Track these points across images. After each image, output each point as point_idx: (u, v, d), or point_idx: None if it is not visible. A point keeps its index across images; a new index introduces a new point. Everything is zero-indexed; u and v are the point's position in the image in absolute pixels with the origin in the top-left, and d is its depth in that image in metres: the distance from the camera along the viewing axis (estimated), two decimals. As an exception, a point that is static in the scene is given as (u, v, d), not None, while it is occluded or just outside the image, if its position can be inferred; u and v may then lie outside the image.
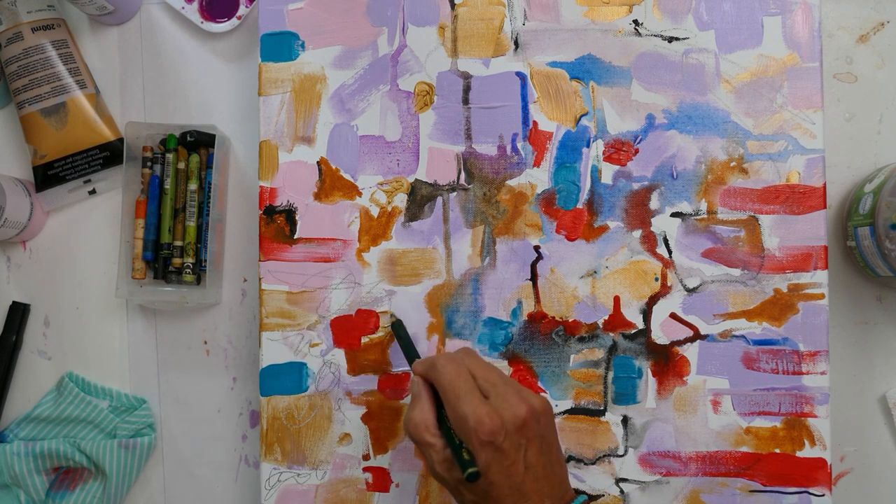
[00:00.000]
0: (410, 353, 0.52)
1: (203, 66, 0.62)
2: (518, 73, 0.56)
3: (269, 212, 0.57)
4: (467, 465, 0.44)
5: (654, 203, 0.56)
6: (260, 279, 0.56)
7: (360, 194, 0.57)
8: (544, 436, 0.45)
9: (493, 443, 0.43)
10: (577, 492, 0.47)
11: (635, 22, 0.56)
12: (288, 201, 0.57)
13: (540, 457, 0.45)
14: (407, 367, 0.56)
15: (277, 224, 0.57)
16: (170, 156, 0.60)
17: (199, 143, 0.60)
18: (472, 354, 0.49)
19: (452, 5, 0.57)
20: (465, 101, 0.57)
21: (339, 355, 0.56)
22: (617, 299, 0.55)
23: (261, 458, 0.56)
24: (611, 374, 0.55)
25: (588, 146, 0.56)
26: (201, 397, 0.61)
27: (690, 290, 0.55)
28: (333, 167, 0.57)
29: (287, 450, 0.56)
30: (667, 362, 0.55)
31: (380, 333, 0.56)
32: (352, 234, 0.56)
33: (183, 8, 0.61)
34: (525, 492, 0.44)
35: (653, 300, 0.55)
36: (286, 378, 0.56)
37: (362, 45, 0.57)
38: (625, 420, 0.55)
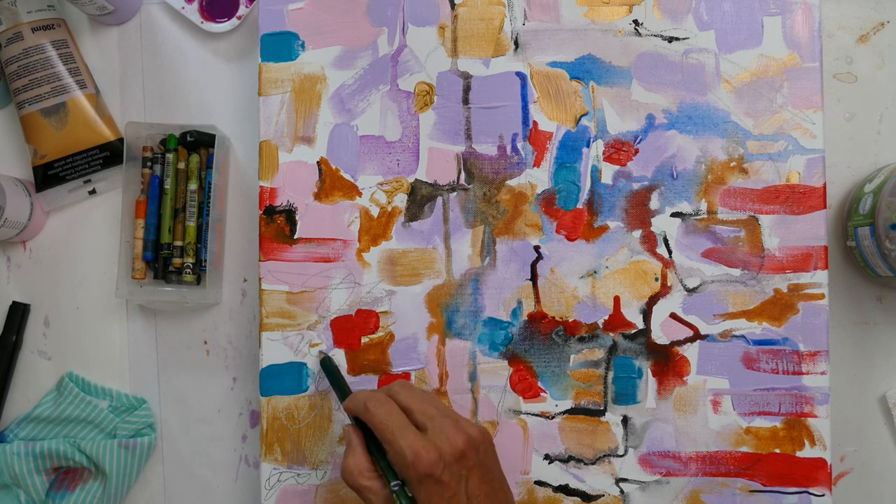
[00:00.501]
0: (342, 390, 0.52)
1: (203, 66, 0.62)
2: (518, 73, 0.56)
3: (269, 212, 0.57)
4: (405, 501, 0.44)
5: (654, 203, 0.56)
6: (260, 279, 0.56)
7: (360, 194, 0.57)
8: (485, 464, 0.46)
9: (433, 475, 0.43)
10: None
11: (635, 22, 0.56)
12: (288, 201, 0.57)
13: (482, 485, 0.45)
14: (407, 368, 0.56)
15: (277, 224, 0.57)
16: (170, 156, 0.60)
17: (199, 143, 0.60)
18: (406, 387, 0.49)
19: (452, 5, 0.57)
20: (465, 101, 0.57)
21: (340, 355, 0.56)
22: (617, 299, 0.55)
23: (261, 458, 0.56)
24: (611, 374, 0.55)
25: (588, 146, 0.56)
26: (201, 397, 0.61)
27: (690, 290, 0.55)
28: (333, 167, 0.57)
29: (287, 450, 0.56)
30: (667, 362, 0.55)
31: (380, 333, 0.56)
32: (352, 234, 0.56)
33: (183, 8, 0.61)
34: None
35: (653, 300, 0.55)
36: (286, 378, 0.56)
37: (362, 45, 0.57)
38: (625, 420, 0.55)
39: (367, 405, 0.46)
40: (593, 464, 0.55)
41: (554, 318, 0.56)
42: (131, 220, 0.60)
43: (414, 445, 0.44)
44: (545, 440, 0.55)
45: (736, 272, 0.55)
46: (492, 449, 0.47)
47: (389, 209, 0.57)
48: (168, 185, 0.60)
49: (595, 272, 0.56)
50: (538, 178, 0.56)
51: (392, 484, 0.45)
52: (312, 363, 0.56)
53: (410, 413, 0.46)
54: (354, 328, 0.56)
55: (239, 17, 0.61)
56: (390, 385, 0.49)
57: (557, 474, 0.55)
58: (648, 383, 0.55)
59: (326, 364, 0.54)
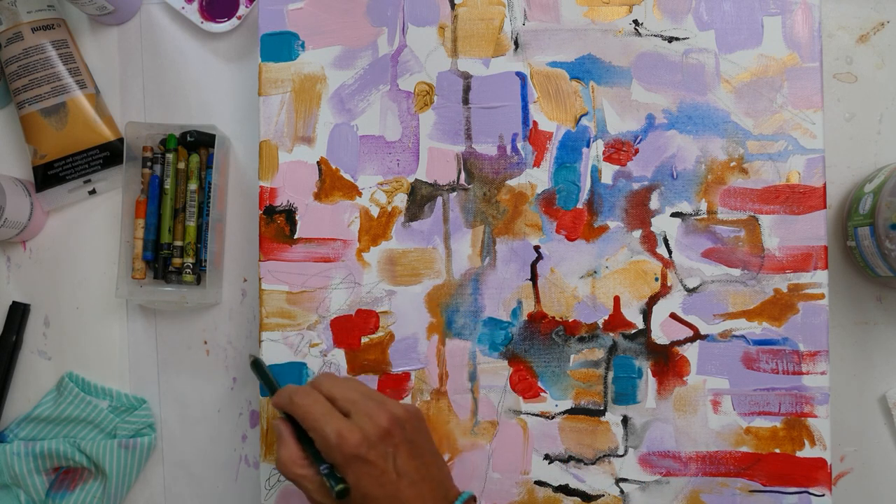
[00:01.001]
0: (271, 388, 0.52)
1: (203, 66, 0.62)
2: (518, 73, 0.56)
3: (269, 212, 0.57)
4: (333, 483, 0.45)
5: (654, 203, 0.56)
6: (260, 279, 0.56)
7: (360, 194, 0.57)
8: (413, 440, 0.46)
9: (358, 455, 0.44)
10: (467, 494, 0.47)
11: (635, 22, 0.56)
12: (288, 201, 0.57)
13: (412, 461, 0.45)
14: (407, 368, 0.56)
15: (277, 224, 0.57)
16: (170, 156, 0.60)
17: (199, 143, 0.60)
18: (329, 377, 0.49)
19: (452, 5, 0.57)
20: (465, 101, 0.57)
21: (339, 355, 0.56)
22: (617, 299, 0.55)
23: (261, 458, 0.56)
24: (611, 374, 0.55)
25: (588, 146, 0.56)
26: (201, 397, 0.61)
27: (690, 290, 0.55)
28: (333, 167, 0.57)
29: (287, 450, 0.56)
30: (667, 362, 0.55)
31: (380, 333, 0.56)
32: (352, 234, 0.56)
33: (183, 8, 0.61)
34: (402, 498, 0.44)
35: (653, 300, 0.55)
36: (286, 378, 0.56)
37: (362, 45, 0.57)
38: (625, 420, 0.55)
39: (293, 398, 0.48)
40: (593, 464, 0.55)
41: (554, 318, 0.56)
42: (131, 220, 0.60)
43: (337, 428, 0.45)
44: (545, 440, 0.55)
45: (736, 272, 0.55)
46: (422, 425, 0.48)
47: (389, 209, 0.57)
48: (168, 185, 0.60)
49: (595, 272, 0.56)
50: (538, 178, 0.56)
51: (321, 468, 0.46)
52: (313, 363, 0.56)
53: (334, 401, 0.47)
54: (354, 328, 0.56)
55: (239, 17, 0.61)
56: (315, 377, 0.51)
57: (557, 474, 0.55)
58: (648, 383, 0.55)
59: (258, 365, 0.54)
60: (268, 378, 0.53)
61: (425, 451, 0.47)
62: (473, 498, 0.47)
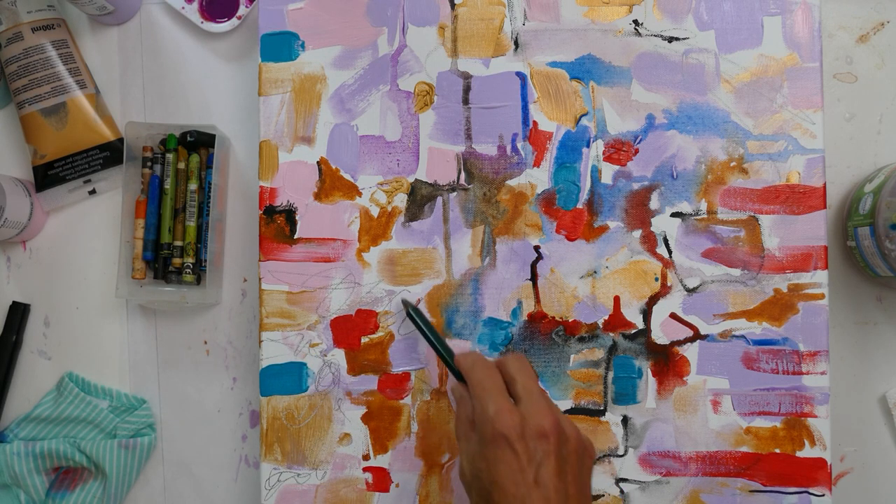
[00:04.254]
0: (440, 344, 0.51)
1: (203, 66, 0.62)
2: (518, 73, 0.56)
3: (269, 212, 0.57)
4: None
5: (654, 203, 0.56)
6: (260, 279, 0.56)
7: (360, 194, 0.57)
8: (567, 461, 0.44)
9: (506, 437, 0.43)
10: None
11: (635, 22, 0.56)
12: (288, 201, 0.57)
13: (555, 478, 0.42)
14: (407, 368, 0.56)
15: (277, 224, 0.57)
16: (170, 156, 0.60)
17: (199, 143, 0.60)
18: (520, 360, 0.48)
19: (452, 5, 0.57)
20: (465, 101, 0.57)
21: (339, 355, 0.56)
22: (617, 299, 0.55)
23: (261, 458, 0.56)
24: (611, 374, 0.55)
25: (588, 146, 0.56)
26: (201, 397, 0.61)
27: (690, 290, 0.55)
28: (333, 167, 0.57)
29: (287, 450, 0.56)
30: (667, 362, 0.55)
31: (380, 333, 0.56)
32: (352, 234, 0.56)
33: (183, 8, 0.61)
34: None
35: (653, 300, 0.55)
36: (286, 378, 0.56)
37: (362, 45, 0.57)
38: (625, 420, 0.55)
39: (475, 366, 0.47)
40: (593, 464, 0.55)
41: (554, 318, 0.56)
42: (131, 220, 0.60)
43: (501, 405, 0.44)
44: (545, 440, 0.55)
45: (736, 272, 0.55)
46: (585, 457, 0.45)
47: (389, 209, 0.57)
48: (168, 185, 0.60)
49: (595, 272, 0.56)
50: (538, 178, 0.56)
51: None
52: (313, 363, 0.56)
53: (513, 383, 0.46)
54: (354, 328, 0.56)
55: (239, 17, 0.61)
56: (506, 356, 0.49)
57: (557, 474, 0.55)
58: (648, 383, 0.55)
59: (416, 315, 0.53)
60: (433, 332, 0.52)
61: (574, 481, 0.43)
62: None
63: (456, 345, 0.56)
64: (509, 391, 0.46)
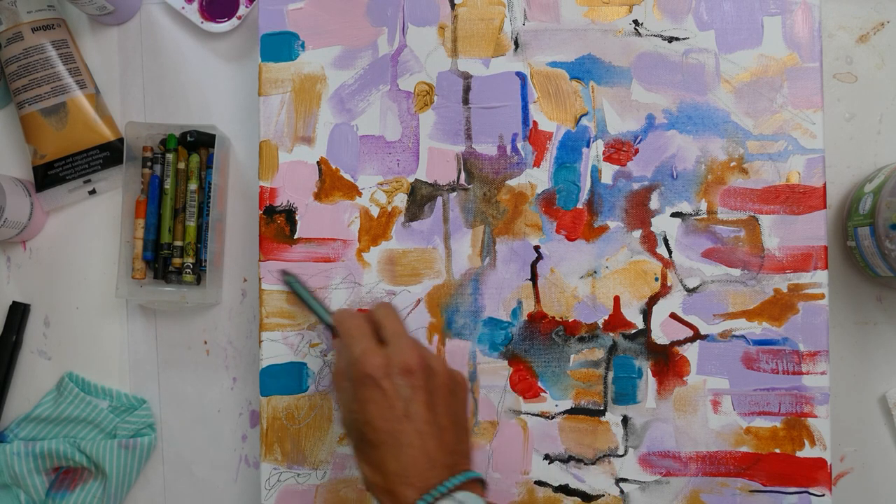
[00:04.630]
0: (321, 308, 0.52)
1: (203, 66, 0.62)
2: (518, 73, 0.56)
3: (269, 212, 0.57)
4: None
5: (654, 203, 0.56)
6: (260, 279, 0.56)
7: (360, 194, 0.57)
8: (436, 393, 0.45)
9: (372, 376, 0.44)
10: (474, 474, 0.44)
11: (635, 22, 0.56)
12: (288, 201, 0.57)
13: (426, 411, 0.44)
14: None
15: (277, 224, 0.57)
16: (170, 156, 0.60)
17: (199, 143, 0.60)
18: (387, 307, 0.49)
19: (452, 5, 0.57)
20: (465, 101, 0.57)
21: (339, 355, 0.56)
22: (617, 299, 0.55)
23: (261, 458, 0.56)
24: (611, 374, 0.55)
25: (588, 146, 0.56)
26: (201, 397, 0.61)
27: (690, 290, 0.55)
28: (333, 167, 0.57)
29: (287, 450, 0.56)
30: (667, 362, 0.55)
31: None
32: (352, 234, 0.56)
33: (183, 8, 0.61)
34: (402, 441, 0.43)
35: (653, 300, 0.55)
36: (286, 378, 0.56)
37: (362, 45, 0.57)
38: (625, 420, 0.55)
39: (344, 318, 0.48)
40: (593, 464, 0.55)
41: (554, 318, 0.56)
42: (131, 220, 0.60)
43: (366, 348, 0.45)
44: (545, 440, 0.55)
45: (736, 272, 0.55)
46: (458, 391, 0.47)
47: (389, 209, 0.57)
48: (168, 185, 0.60)
49: (595, 272, 0.56)
50: (538, 178, 0.56)
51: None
52: (313, 363, 0.56)
53: (381, 329, 0.47)
54: (354, 328, 0.56)
55: (239, 17, 0.61)
56: (376, 305, 0.50)
57: (557, 474, 0.55)
58: (648, 383, 0.55)
59: (293, 283, 0.54)
60: (308, 297, 0.53)
61: (446, 412, 0.45)
62: (480, 481, 0.45)
63: (456, 345, 0.56)
64: (378, 337, 0.47)
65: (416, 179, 0.57)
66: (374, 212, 0.57)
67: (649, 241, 0.55)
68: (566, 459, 0.55)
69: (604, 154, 0.56)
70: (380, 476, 0.43)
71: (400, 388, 0.44)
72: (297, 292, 0.54)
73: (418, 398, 0.44)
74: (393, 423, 0.43)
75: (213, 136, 0.59)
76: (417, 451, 0.43)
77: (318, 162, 0.57)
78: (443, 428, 0.45)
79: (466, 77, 0.57)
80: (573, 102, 0.56)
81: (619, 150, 0.56)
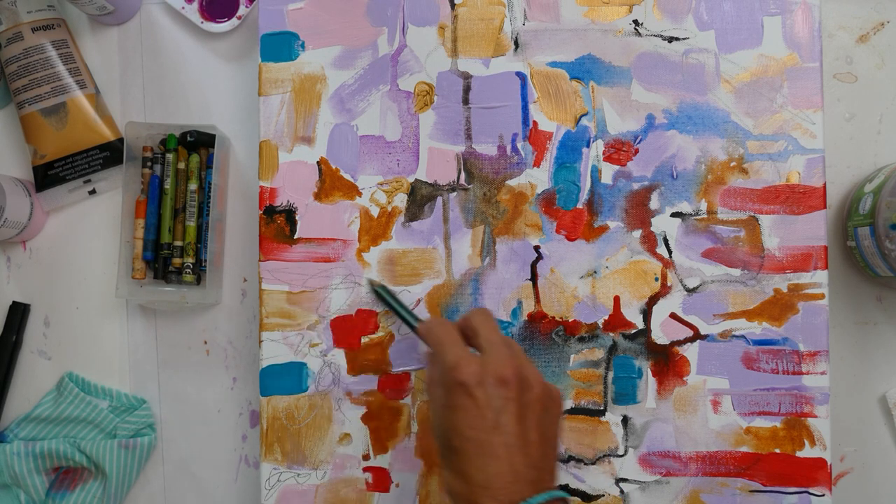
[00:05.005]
0: (408, 315, 0.52)
1: (203, 66, 0.62)
2: (518, 73, 0.56)
3: (269, 212, 0.57)
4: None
5: (654, 203, 0.56)
6: (260, 279, 0.56)
7: (360, 194, 0.57)
8: (528, 407, 0.44)
9: (465, 384, 0.43)
10: (561, 490, 0.44)
11: (635, 22, 0.56)
12: (288, 201, 0.57)
13: (516, 424, 0.43)
14: (407, 368, 0.56)
15: (277, 224, 0.57)
16: (170, 156, 0.60)
17: (199, 143, 0.60)
18: (484, 314, 0.48)
19: (452, 5, 0.57)
20: (465, 101, 0.57)
21: (339, 355, 0.56)
22: (617, 299, 0.55)
23: (261, 458, 0.56)
24: (611, 374, 0.55)
25: (588, 146, 0.56)
26: (201, 397, 0.61)
27: (690, 290, 0.55)
28: (333, 167, 0.57)
29: (287, 450, 0.56)
30: (667, 362, 0.55)
31: (380, 333, 0.56)
32: (352, 234, 0.56)
33: (183, 8, 0.61)
34: (489, 452, 0.42)
35: (653, 300, 0.55)
36: (286, 378, 0.56)
37: (362, 45, 0.57)
38: (625, 420, 0.55)
39: (432, 327, 0.48)
40: (593, 464, 0.55)
41: (554, 318, 0.56)
42: (131, 220, 0.60)
43: (457, 355, 0.44)
44: (545, 440, 0.55)
45: (736, 272, 0.55)
46: (551, 407, 0.45)
47: (389, 209, 0.57)
48: (168, 185, 0.60)
49: (595, 272, 0.56)
50: (538, 178, 0.56)
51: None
52: (313, 363, 0.56)
53: (475, 336, 0.46)
54: (354, 328, 0.56)
55: (239, 17, 0.61)
56: (470, 311, 0.49)
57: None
58: (648, 383, 0.55)
59: (382, 292, 0.54)
60: (399, 302, 0.53)
61: (536, 427, 0.44)
62: (564, 501, 0.43)
63: (456, 345, 0.56)
64: (472, 343, 0.47)
65: (416, 179, 0.57)
66: (374, 212, 0.57)
67: (649, 241, 0.55)
68: (566, 459, 0.55)
69: (604, 154, 0.56)
70: (463, 485, 0.42)
71: (492, 399, 0.43)
72: (386, 301, 0.53)
73: (510, 410, 0.43)
74: (481, 432, 0.42)
75: (213, 136, 0.59)
76: (503, 464, 0.42)
77: (318, 162, 0.57)
78: (531, 443, 0.43)
79: (466, 77, 0.57)
80: (573, 102, 0.56)
81: (619, 150, 0.56)
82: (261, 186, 0.57)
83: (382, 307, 0.56)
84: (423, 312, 0.56)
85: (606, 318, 0.55)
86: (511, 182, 0.56)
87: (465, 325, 0.48)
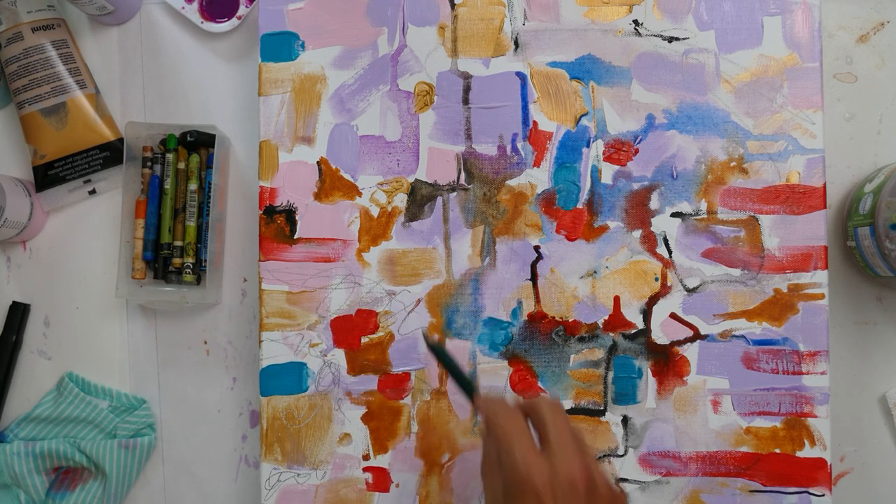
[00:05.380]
0: (464, 381, 0.49)
1: (203, 66, 0.62)
2: (518, 73, 0.56)
3: (269, 212, 0.57)
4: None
5: (654, 203, 0.56)
6: (260, 279, 0.56)
7: (360, 194, 0.57)
8: None
9: (536, 489, 0.41)
10: None
11: (635, 22, 0.56)
12: (288, 201, 0.57)
13: None
14: (407, 368, 0.56)
15: (277, 224, 0.57)
16: (170, 156, 0.60)
17: (199, 143, 0.60)
18: (554, 406, 0.45)
19: (452, 5, 0.57)
20: (465, 101, 0.57)
21: (339, 355, 0.56)
22: (617, 299, 0.55)
23: (261, 458, 0.56)
24: (611, 374, 0.55)
25: (588, 146, 0.56)
26: (201, 397, 0.61)
27: (690, 290, 0.55)
28: (333, 167, 0.57)
29: (287, 450, 0.56)
30: (667, 362, 0.55)
31: (380, 333, 0.56)
32: (352, 234, 0.56)
33: (183, 8, 0.61)
34: None
35: (653, 300, 0.55)
36: (286, 378, 0.56)
37: (362, 45, 0.57)
38: (625, 420, 0.55)
39: (498, 414, 0.45)
40: None
41: (554, 318, 0.56)
42: (131, 220, 0.60)
43: (526, 454, 0.42)
44: (545, 440, 0.55)
45: (736, 272, 0.55)
46: None
47: (389, 209, 0.57)
48: (168, 185, 0.60)
49: (595, 272, 0.56)
50: (538, 178, 0.56)
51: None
52: (313, 363, 0.56)
53: (544, 427, 0.44)
54: (354, 328, 0.56)
55: (239, 17, 0.61)
56: (538, 398, 0.46)
57: (557, 474, 0.55)
58: (648, 383, 0.55)
59: (440, 352, 0.51)
60: (455, 366, 0.50)
61: None
62: None
63: (456, 345, 0.56)
64: (537, 430, 0.44)
65: (416, 179, 0.57)
66: (374, 212, 0.57)
67: (649, 241, 0.55)
68: (566, 459, 0.55)
69: (604, 154, 0.56)
70: None
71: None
72: (442, 361, 0.51)
73: None
74: None
75: (213, 136, 0.59)
76: None
77: (318, 162, 0.57)
78: None
79: (466, 77, 0.57)
80: (573, 102, 0.56)
81: (619, 150, 0.56)
82: (261, 186, 0.57)
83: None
84: (423, 312, 0.56)
85: (606, 318, 0.55)
86: (511, 182, 0.56)
87: (531, 411, 0.45)
